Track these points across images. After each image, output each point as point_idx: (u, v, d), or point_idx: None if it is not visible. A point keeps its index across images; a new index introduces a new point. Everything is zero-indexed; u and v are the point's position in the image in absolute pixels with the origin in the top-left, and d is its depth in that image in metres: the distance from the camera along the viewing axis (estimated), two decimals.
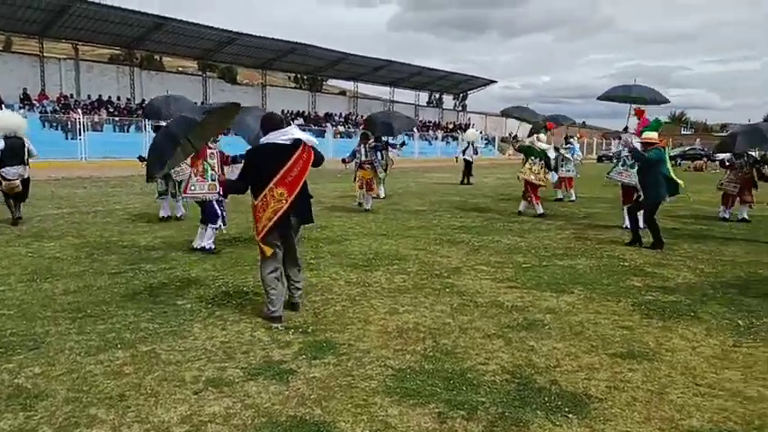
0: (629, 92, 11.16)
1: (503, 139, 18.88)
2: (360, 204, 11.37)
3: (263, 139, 4.54)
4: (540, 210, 10.79)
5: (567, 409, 3.07)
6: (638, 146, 7.91)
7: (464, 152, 19.51)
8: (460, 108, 62.06)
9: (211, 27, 34.56)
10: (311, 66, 45.09)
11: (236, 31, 35.67)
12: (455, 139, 48.49)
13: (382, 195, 13.50)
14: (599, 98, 12.05)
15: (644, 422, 2.95)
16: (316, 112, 44.90)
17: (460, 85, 56.46)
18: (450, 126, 53.58)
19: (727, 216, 10.84)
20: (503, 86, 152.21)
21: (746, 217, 10.59)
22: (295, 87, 53.65)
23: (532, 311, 4.83)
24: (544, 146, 10.82)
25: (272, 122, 4.59)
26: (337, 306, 4.88)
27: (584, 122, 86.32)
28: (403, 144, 15.47)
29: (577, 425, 2.92)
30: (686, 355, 3.88)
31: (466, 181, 19.08)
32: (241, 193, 4.77)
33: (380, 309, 4.82)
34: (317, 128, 38.19)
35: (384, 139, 12.95)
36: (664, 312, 4.82)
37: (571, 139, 14.36)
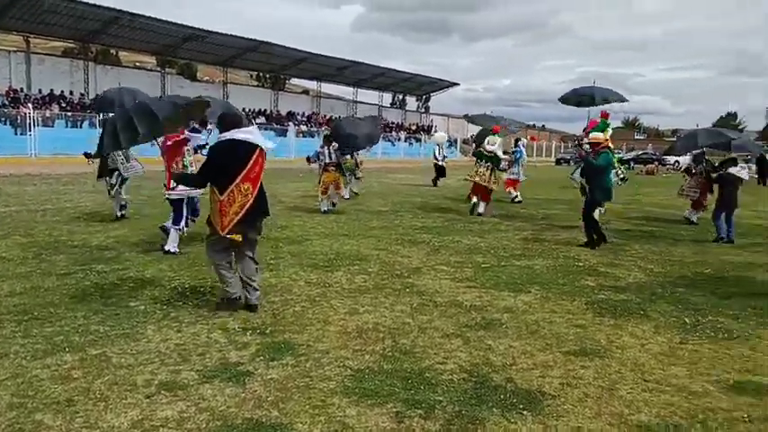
0: (591, 93, 11.55)
1: (464, 141, 18.93)
2: (324, 211, 10.81)
3: (227, 135, 4.52)
4: (481, 209, 11.17)
5: (521, 407, 3.13)
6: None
7: (436, 155, 19.34)
8: (423, 110, 62.62)
9: (171, 22, 33.80)
10: (274, 64, 44.63)
11: (197, 27, 34.99)
12: (418, 140, 48.89)
13: (346, 196, 13.47)
14: (560, 99, 12.42)
15: (595, 417, 3.04)
16: (278, 111, 44.45)
17: (423, 86, 56.94)
18: (414, 127, 53.93)
19: (693, 219, 11.04)
20: (465, 89, 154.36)
21: (695, 220, 10.99)
22: (257, 86, 52.97)
23: (490, 311, 4.91)
24: (491, 148, 11.25)
25: (235, 120, 4.66)
26: (297, 306, 4.84)
27: (543, 126, 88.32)
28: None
29: (531, 421, 2.98)
30: (635, 352, 4.02)
31: (438, 183, 18.84)
32: (198, 188, 4.76)
33: (340, 309, 4.80)
34: (279, 127, 37.83)
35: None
36: (615, 311, 4.98)
37: (519, 143, 14.52)
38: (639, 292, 5.64)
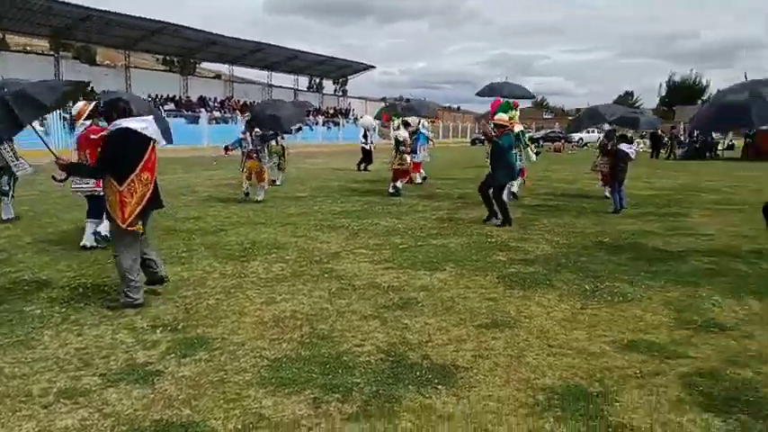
0: (502, 90, 12.20)
1: (383, 125, 18.83)
2: (246, 195, 10.67)
3: (122, 124, 4.30)
4: (391, 189, 11.71)
5: (436, 381, 3.23)
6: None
7: (365, 139, 19.01)
8: (341, 93, 62.14)
9: (64, 2, 31.11)
10: (182, 47, 42.42)
11: (93, 7, 32.43)
12: (336, 124, 48.56)
13: (279, 183, 13.20)
14: (477, 94, 13.00)
15: (504, 385, 3.20)
16: (188, 97, 42.40)
17: (340, 69, 56.44)
18: (331, 111, 53.47)
19: (607, 194, 11.69)
20: (382, 72, 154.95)
21: (607, 195, 11.65)
22: (165, 70, 50.19)
23: (407, 290, 5.00)
24: (394, 131, 11.96)
25: (126, 107, 4.44)
26: (210, 300, 4.68)
27: (458, 107, 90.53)
28: (299, 129, 14.59)
29: (445, 394, 3.09)
30: (542, 320, 4.25)
31: (364, 167, 18.55)
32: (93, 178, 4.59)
33: (257, 299, 4.71)
34: (190, 113, 36.16)
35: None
36: (524, 283, 5.24)
37: (420, 127, 14.73)
38: (546, 264, 5.97)
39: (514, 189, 10.87)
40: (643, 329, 4.08)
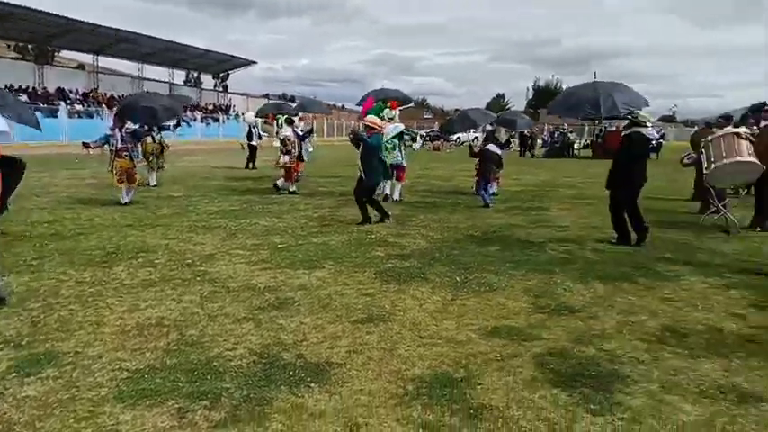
0: (379, 96, 12.60)
1: (265, 122, 18.36)
2: (126, 202, 9.60)
3: None
4: (279, 184, 11.82)
5: (309, 380, 3.22)
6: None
7: (249, 136, 18.51)
8: (221, 89, 59.63)
9: None
10: (36, 34, 38.13)
11: None
12: (216, 120, 46.60)
13: (153, 183, 12.29)
14: (357, 104, 13.30)
15: (375, 378, 3.27)
16: (45, 88, 38.23)
17: (220, 64, 54.19)
18: (210, 107, 51.21)
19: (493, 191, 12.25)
20: (265, 68, 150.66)
21: (495, 191, 12.30)
22: (16, 58, 44.76)
23: (284, 290, 4.93)
24: (277, 129, 12.29)
25: None
26: (63, 311, 4.26)
27: (342, 106, 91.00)
28: (178, 125, 13.53)
29: (318, 392, 3.08)
30: (414, 313, 4.41)
31: (252, 166, 17.99)
32: None
33: (118, 307, 4.37)
34: (46, 106, 32.67)
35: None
36: (400, 277, 5.40)
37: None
38: (421, 258, 6.20)
39: (389, 192, 10.96)
40: (505, 316, 4.38)
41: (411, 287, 5.09)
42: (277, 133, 12.75)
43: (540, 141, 35.05)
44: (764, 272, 5.65)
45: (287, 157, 11.59)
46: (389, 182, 10.75)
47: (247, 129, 18.97)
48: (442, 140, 36.98)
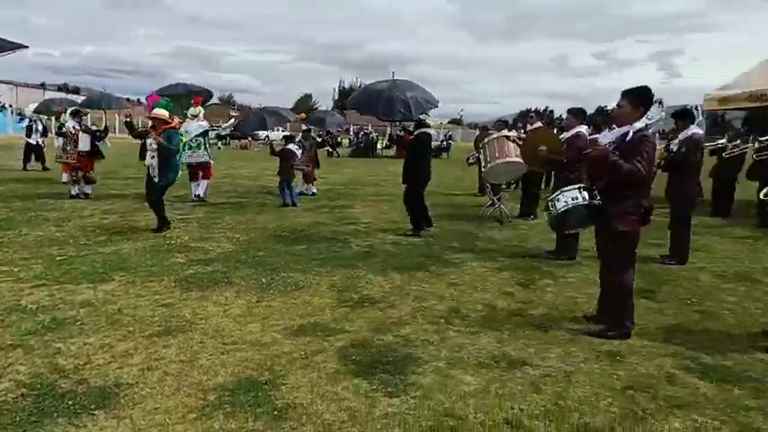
0: (177, 88, 12.05)
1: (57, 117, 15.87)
2: None
3: None
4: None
5: (93, 407, 2.88)
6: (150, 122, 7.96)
7: (29, 131, 15.99)
8: None
9: None
10: None
11: None
12: None
13: None
14: (155, 102, 12.30)
15: (173, 394, 3.06)
16: None
17: None
18: None
19: (306, 191, 12.06)
20: (38, 53, 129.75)
21: (315, 191, 12.25)
22: None
23: (63, 309, 4.34)
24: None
25: None
26: None
27: (138, 100, 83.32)
28: None
29: (104, 419, 2.79)
30: (218, 320, 4.24)
31: (42, 167, 15.52)
32: None
33: None
34: None
35: None
36: (202, 283, 5.14)
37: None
38: (226, 262, 5.98)
39: (200, 192, 10.59)
40: (310, 313, 4.46)
41: (214, 293, 4.88)
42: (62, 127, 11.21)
43: (346, 141, 36.49)
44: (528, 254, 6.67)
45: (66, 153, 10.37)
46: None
47: (28, 122, 16.49)
48: (249, 139, 36.13)
